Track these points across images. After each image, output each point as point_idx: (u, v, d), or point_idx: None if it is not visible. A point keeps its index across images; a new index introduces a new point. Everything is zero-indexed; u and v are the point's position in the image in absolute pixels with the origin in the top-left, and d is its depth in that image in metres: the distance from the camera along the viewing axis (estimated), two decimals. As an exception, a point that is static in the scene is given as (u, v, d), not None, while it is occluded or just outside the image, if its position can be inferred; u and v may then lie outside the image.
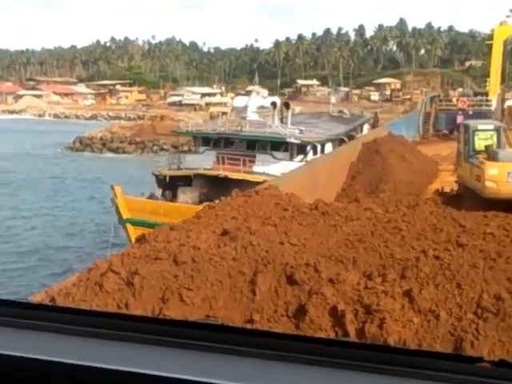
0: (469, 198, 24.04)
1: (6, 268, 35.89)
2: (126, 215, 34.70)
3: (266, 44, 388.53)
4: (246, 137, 41.53)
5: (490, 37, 70.45)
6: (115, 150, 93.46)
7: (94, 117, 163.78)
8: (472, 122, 28.03)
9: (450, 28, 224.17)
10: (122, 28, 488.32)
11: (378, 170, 36.26)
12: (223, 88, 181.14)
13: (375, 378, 1.85)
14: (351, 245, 16.29)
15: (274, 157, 40.69)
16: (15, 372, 2.01)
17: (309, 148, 41.65)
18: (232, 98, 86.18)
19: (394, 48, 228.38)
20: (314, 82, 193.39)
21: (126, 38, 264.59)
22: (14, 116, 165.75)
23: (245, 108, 45.15)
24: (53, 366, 1.98)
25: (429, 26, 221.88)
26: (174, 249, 14.83)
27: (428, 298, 12.69)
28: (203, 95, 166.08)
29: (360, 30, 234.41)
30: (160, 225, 20.65)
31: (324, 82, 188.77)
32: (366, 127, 56.67)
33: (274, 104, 45.05)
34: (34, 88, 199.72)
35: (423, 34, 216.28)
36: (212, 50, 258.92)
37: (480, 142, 25.25)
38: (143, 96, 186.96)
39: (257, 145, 41.54)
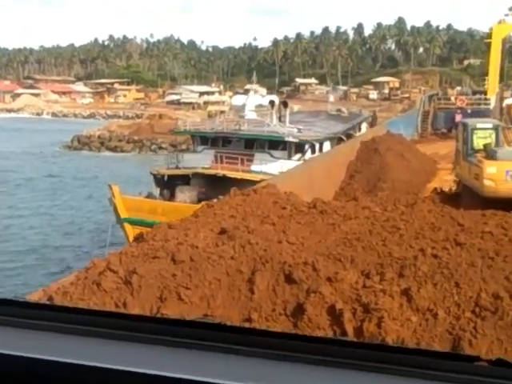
0: (467, 196, 24.05)
1: (4, 267, 35.86)
2: (123, 215, 34.68)
3: (264, 43, 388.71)
4: (244, 136, 41.56)
5: (489, 35, 70.52)
6: (113, 149, 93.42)
7: (92, 115, 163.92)
8: (470, 121, 28.02)
9: (449, 26, 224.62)
10: (121, 26, 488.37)
11: (377, 169, 36.27)
12: (221, 87, 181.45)
13: (373, 377, 1.84)
14: (349, 243, 16.29)
15: (272, 156, 40.72)
16: (13, 371, 2.01)
17: (307, 147, 41.69)
18: (230, 97, 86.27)
19: (393, 47, 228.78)
20: (313, 80, 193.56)
21: (125, 37, 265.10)
22: (12, 115, 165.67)
23: (243, 107, 45.17)
24: (51, 366, 1.98)
25: (427, 24, 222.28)
26: (172, 247, 14.83)
27: (426, 296, 12.69)
28: (201, 94, 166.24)
29: (359, 29, 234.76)
30: (158, 224, 20.64)
31: (322, 80, 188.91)
32: (364, 126, 56.75)
33: (272, 103, 45.10)
34: (31, 87, 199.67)
35: (422, 32, 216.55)
36: (210, 49, 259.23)
37: (478, 141, 25.25)
38: (141, 95, 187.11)
39: (255, 144, 41.57)
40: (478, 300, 12.46)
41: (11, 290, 29.49)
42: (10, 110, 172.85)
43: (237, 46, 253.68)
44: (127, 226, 34.04)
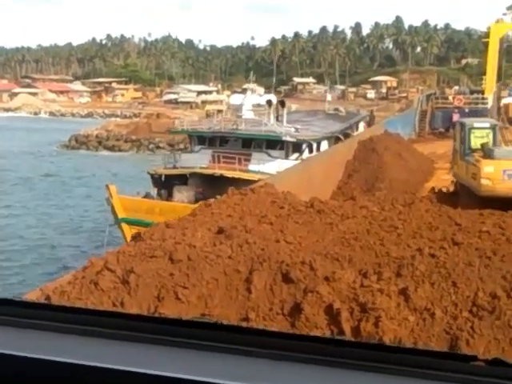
0: (465, 196, 24.08)
1: (0, 266, 35.85)
2: (121, 215, 34.64)
3: (262, 41, 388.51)
4: (241, 135, 41.55)
5: (487, 35, 70.62)
6: (111, 148, 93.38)
7: (89, 115, 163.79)
8: (468, 120, 28.06)
9: (447, 26, 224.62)
10: (118, 25, 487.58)
11: (374, 168, 36.29)
12: (219, 86, 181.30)
13: (371, 377, 1.84)
14: (347, 243, 16.29)
15: (269, 155, 40.70)
16: (11, 371, 2.01)
17: (304, 146, 41.67)
18: (228, 96, 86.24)
19: (391, 46, 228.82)
20: (311, 79, 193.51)
21: (122, 36, 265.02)
22: (10, 114, 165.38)
23: (241, 106, 45.18)
24: (48, 365, 1.98)
25: (425, 23, 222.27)
26: (169, 247, 14.82)
27: (423, 296, 12.70)
28: (199, 93, 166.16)
29: (356, 28, 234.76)
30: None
31: (320, 79, 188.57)
32: (361, 125, 56.76)
33: (269, 102, 45.07)
34: (29, 86, 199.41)
35: (419, 31, 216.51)
36: (208, 48, 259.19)
37: (476, 140, 25.29)
38: (139, 94, 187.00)
39: (252, 143, 41.56)
40: (475, 299, 12.48)
41: (8, 290, 29.46)
42: (7, 110, 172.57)
43: (235, 45, 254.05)
44: (125, 226, 33.99)
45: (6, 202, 54.09)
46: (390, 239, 16.79)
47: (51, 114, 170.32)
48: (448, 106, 61.88)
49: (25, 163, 77.94)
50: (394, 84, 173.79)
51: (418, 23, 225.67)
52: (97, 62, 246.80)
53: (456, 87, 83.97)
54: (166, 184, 39.56)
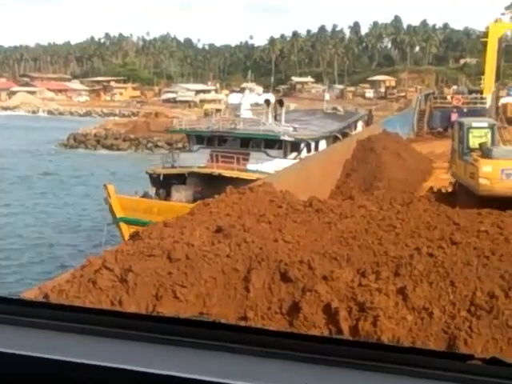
0: (463, 195, 24.10)
1: (-1, 265, 35.90)
2: (119, 214, 34.64)
3: (262, 41, 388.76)
4: (239, 135, 41.58)
5: (485, 34, 70.58)
6: (109, 147, 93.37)
7: (88, 113, 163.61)
8: (466, 120, 28.09)
9: (445, 25, 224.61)
10: (117, 24, 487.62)
11: (373, 168, 36.30)
12: (218, 85, 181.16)
13: (369, 376, 1.85)
14: (345, 242, 16.30)
15: (267, 154, 40.72)
16: (8, 369, 2.01)
17: (302, 145, 41.69)
18: (227, 95, 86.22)
19: (389, 45, 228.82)
20: (309, 79, 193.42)
21: (121, 35, 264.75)
22: (8, 112, 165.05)
23: (239, 105, 45.19)
24: (47, 364, 1.98)
25: (424, 23, 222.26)
26: (167, 246, 14.82)
27: (422, 295, 12.71)
28: (198, 92, 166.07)
29: (355, 27, 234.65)
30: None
31: (319, 79, 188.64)
32: (359, 124, 56.77)
33: (267, 101, 45.08)
34: (27, 84, 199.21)
35: (418, 31, 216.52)
36: (207, 47, 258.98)
37: (474, 140, 25.31)
38: (137, 93, 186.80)
39: (250, 142, 41.57)
40: (473, 299, 12.49)
41: (6, 288, 29.45)
42: (5, 108, 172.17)
43: (233, 44, 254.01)
44: (123, 225, 33.99)
45: (4, 201, 54.05)
46: (389, 238, 16.80)
47: (49, 112, 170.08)
48: (446, 105, 61.89)
49: (23, 162, 77.88)
50: (393, 83, 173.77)
51: (416, 23, 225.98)
52: (95, 60, 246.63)
53: (454, 87, 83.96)
54: (164, 183, 39.56)
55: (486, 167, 23.17)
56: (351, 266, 14.36)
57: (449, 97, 65.15)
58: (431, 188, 26.74)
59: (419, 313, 12.44)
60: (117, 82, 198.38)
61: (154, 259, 14.31)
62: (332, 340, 2.07)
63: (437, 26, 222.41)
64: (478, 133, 25.54)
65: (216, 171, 37.94)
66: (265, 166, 38.68)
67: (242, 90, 53.16)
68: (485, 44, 67.52)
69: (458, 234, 16.86)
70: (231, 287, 13.79)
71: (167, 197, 38.38)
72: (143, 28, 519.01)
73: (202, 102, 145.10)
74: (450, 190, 26.77)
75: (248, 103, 45.59)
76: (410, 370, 1.84)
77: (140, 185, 40.83)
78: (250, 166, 39.55)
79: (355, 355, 1.89)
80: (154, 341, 2.02)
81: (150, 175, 40.32)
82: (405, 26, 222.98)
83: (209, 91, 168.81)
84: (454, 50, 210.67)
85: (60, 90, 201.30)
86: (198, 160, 40.31)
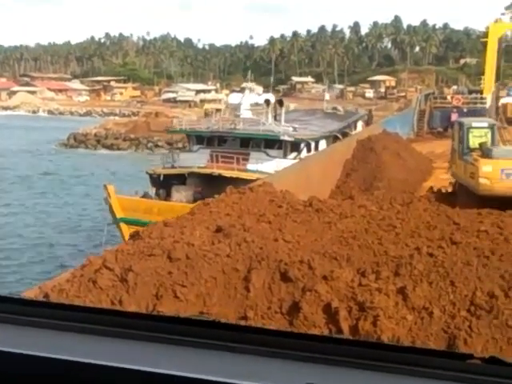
0: (463, 195, 24.10)
1: None
2: (119, 214, 34.64)
3: (262, 41, 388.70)
4: (239, 135, 41.58)
5: (485, 34, 70.58)
6: (109, 147, 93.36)
7: (88, 113, 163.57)
8: (466, 120, 28.11)
9: (445, 25, 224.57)
10: (117, 24, 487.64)
11: (373, 168, 36.30)
12: (218, 85, 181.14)
13: (369, 375, 1.85)
14: (345, 242, 16.30)
15: (267, 154, 40.73)
16: (9, 369, 2.01)
17: (302, 145, 41.69)
18: (227, 95, 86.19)
19: (389, 45, 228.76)
20: (309, 78, 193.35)
21: (121, 35, 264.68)
22: (8, 112, 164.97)
23: (239, 105, 45.19)
24: (47, 363, 1.98)
25: (424, 23, 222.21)
26: (168, 245, 14.82)
27: (422, 295, 12.72)
28: (198, 92, 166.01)
29: (355, 27, 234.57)
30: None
31: (319, 79, 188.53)
32: (359, 124, 56.77)
33: (267, 101, 45.08)
34: (28, 84, 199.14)
35: (418, 31, 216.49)
36: (207, 47, 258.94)
37: (474, 140, 25.32)
38: (138, 92, 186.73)
39: (250, 143, 41.57)
40: (473, 299, 12.49)
41: (6, 288, 29.44)
42: (5, 108, 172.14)
43: (233, 44, 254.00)
44: (123, 225, 33.99)
45: (4, 201, 54.03)
46: (389, 238, 16.81)
47: (50, 112, 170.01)
48: (446, 105, 61.90)
49: (23, 161, 77.86)
50: (393, 83, 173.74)
51: (416, 23, 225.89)
52: (95, 60, 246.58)
53: (454, 87, 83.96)
54: (164, 184, 39.56)
55: (485, 167, 23.18)
56: (351, 265, 14.37)
57: (449, 97, 65.15)
58: (431, 188, 26.74)
59: (419, 312, 12.44)
60: (117, 81, 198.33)
61: (155, 259, 14.31)
62: (332, 339, 2.08)
63: (437, 26, 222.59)
64: (478, 133, 25.55)
65: (216, 171, 37.94)
66: (265, 166, 38.68)
67: (242, 90, 53.14)
68: (485, 44, 67.51)
69: (458, 234, 16.86)
70: (231, 287, 13.79)
71: (167, 197, 38.37)
72: (143, 28, 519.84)
73: (202, 101, 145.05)
74: (449, 189, 26.77)
75: (248, 103, 45.59)
76: (410, 370, 1.85)
77: (140, 185, 40.82)
78: (249, 166, 39.55)
79: (355, 354, 1.90)
80: (154, 340, 2.03)
81: (150, 175, 40.31)
82: (405, 26, 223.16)
83: (209, 91, 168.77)
84: (454, 50, 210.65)
85: (60, 90, 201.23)
86: (197, 160, 40.30)
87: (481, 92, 65.00)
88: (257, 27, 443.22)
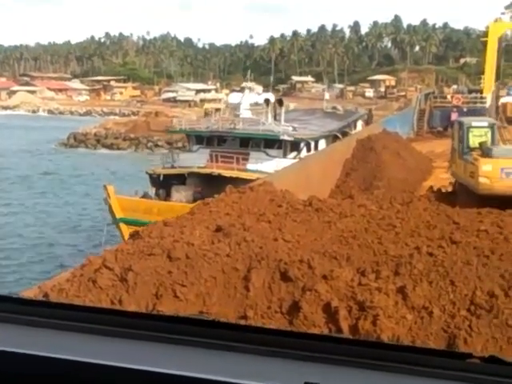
0: (463, 194, 24.10)
1: (-1, 264, 35.91)
2: (119, 215, 34.66)
3: (261, 40, 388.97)
4: (239, 134, 41.58)
5: (485, 34, 70.55)
6: (109, 147, 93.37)
7: (88, 113, 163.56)
8: (466, 119, 28.11)
9: (445, 25, 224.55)
10: (117, 24, 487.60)
11: (373, 167, 36.31)
12: (218, 84, 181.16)
13: (368, 374, 1.85)
14: (345, 241, 16.31)
15: (267, 154, 40.73)
16: (8, 368, 2.01)
17: (302, 145, 41.71)
18: (227, 95, 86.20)
19: (389, 45, 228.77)
20: (309, 78, 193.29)
21: (121, 34, 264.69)
22: (8, 112, 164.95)
23: (239, 105, 45.21)
24: (47, 362, 1.98)
25: (424, 22, 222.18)
26: (167, 245, 14.82)
27: (421, 294, 12.72)
28: (198, 91, 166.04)
29: (355, 27, 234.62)
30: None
31: (319, 78, 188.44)
32: (359, 123, 56.78)
33: (267, 101, 45.09)
34: (27, 84, 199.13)
35: (418, 30, 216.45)
36: (207, 46, 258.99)
37: (474, 139, 25.31)
38: (137, 92, 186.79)
39: (250, 142, 41.57)
40: (473, 298, 12.49)
41: (5, 287, 29.46)
42: (5, 108, 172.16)
43: (233, 44, 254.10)
44: (123, 226, 34.00)
45: (4, 201, 54.05)
46: (388, 238, 16.81)
47: (50, 112, 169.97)
48: (446, 105, 61.90)
49: (23, 161, 77.88)
50: (393, 83, 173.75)
51: (416, 22, 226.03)
52: (95, 60, 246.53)
53: (454, 86, 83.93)
54: (164, 184, 39.56)
55: (485, 166, 23.17)
56: (351, 265, 14.37)
57: (449, 96, 65.14)
58: (431, 187, 26.73)
59: (419, 312, 12.44)
60: (117, 81, 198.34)
61: (154, 258, 14.32)
62: (331, 338, 2.08)
63: (437, 26, 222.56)
64: (478, 132, 25.55)
65: (216, 171, 37.94)
66: (264, 165, 38.69)
67: (242, 90, 53.15)
68: (485, 43, 67.49)
69: (458, 234, 16.86)
70: (231, 286, 13.79)
71: (167, 197, 38.37)
72: (143, 27, 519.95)
73: (202, 101, 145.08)
74: (449, 189, 26.77)
75: (247, 103, 45.62)
76: (410, 369, 1.85)
77: (140, 184, 40.83)
78: (249, 166, 39.55)
79: (355, 354, 1.90)
80: (154, 339, 2.03)
81: (150, 175, 40.30)
82: (405, 25, 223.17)
83: (209, 91, 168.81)
84: (453, 50, 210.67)
85: (60, 90, 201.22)
86: (197, 160, 40.30)
87: (481, 91, 64.98)
88: (257, 27, 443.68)
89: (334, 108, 61.88)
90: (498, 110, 63.98)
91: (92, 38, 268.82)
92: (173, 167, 41.05)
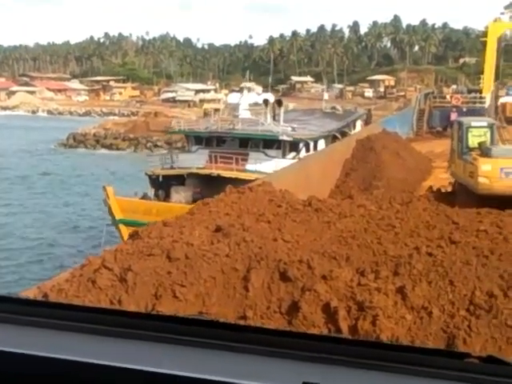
0: (462, 194, 24.10)
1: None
2: (118, 216, 34.64)
3: (260, 40, 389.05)
4: (238, 135, 41.56)
5: (484, 34, 70.56)
6: (109, 147, 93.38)
7: (87, 113, 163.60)
8: (465, 119, 28.11)
9: (445, 25, 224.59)
10: (116, 24, 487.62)
11: (372, 167, 36.30)
12: (217, 84, 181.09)
13: (367, 374, 1.86)
14: (344, 241, 16.30)
15: (266, 154, 40.72)
16: (8, 368, 2.01)
17: (301, 145, 41.70)
18: (226, 95, 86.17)
19: (388, 45, 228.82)
20: (308, 78, 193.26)
21: (120, 34, 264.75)
22: (7, 112, 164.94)
23: (238, 105, 45.22)
24: (46, 362, 1.98)
25: (423, 22, 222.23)
26: (167, 245, 14.81)
27: (421, 294, 12.71)
28: (197, 92, 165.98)
29: (354, 27, 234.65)
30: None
31: (318, 78, 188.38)
32: (358, 123, 56.78)
33: (266, 101, 45.07)
34: (27, 84, 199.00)
35: (417, 30, 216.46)
36: (206, 47, 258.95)
37: (473, 139, 25.32)
38: (137, 92, 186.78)
39: (249, 143, 41.55)
40: (472, 298, 12.48)
41: (5, 287, 29.45)
42: (5, 108, 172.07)
43: (233, 44, 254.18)
44: (122, 227, 33.98)
45: (4, 201, 54.03)
46: (388, 238, 16.80)
47: (49, 112, 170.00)
48: (446, 104, 61.91)
49: (23, 161, 77.92)
50: (392, 83, 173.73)
51: (415, 22, 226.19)
52: (95, 60, 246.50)
53: (454, 86, 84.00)
54: (163, 184, 39.52)
55: (485, 166, 23.18)
56: (350, 265, 14.36)
57: (448, 96, 65.15)
58: (430, 187, 26.74)
59: (418, 312, 12.44)
60: (116, 81, 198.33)
61: (154, 258, 14.31)
62: (331, 338, 2.08)
63: (436, 26, 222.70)
64: (478, 132, 25.56)
65: (215, 172, 37.91)
66: (264, 166, 38.67)
67: (242, 90, 53.17)
68: (484, 43, 67.50)
69: (457, 234, 16.87)
70: (230, 286, 13.79)
71: (166, 198, 38.33)
72: (143, 28, 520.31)
73: (202, 101, 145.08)
74: (449, 189, 26.77)
75: (247, 103, 45.61)
76: (408, 369, 1.85)
77: (140, 185, 40.81)
78: (248, 167, 39.53)
79: (353, 353, 1.90)
80: (154, 339, 2.03)
81: (149, 176, 40.26)
82: (404, 25, 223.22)
83: (208, 91, 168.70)
84: (453, 50, 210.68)
85: (59, 90, 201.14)
86: (196, 161, 40.27)
87: (480, 91, 64.98)
88: (256, 27, 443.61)
89: (334, 108, 61.91)
90: (497, 110, 63.99)
91: (91, 38, 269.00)
92: (172, 168, 41.01)
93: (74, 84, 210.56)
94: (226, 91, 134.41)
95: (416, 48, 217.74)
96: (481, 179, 22.99)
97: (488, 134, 25.43)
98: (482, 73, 66.92)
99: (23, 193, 58.63)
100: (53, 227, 45.39)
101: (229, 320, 3.02)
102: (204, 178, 37.80)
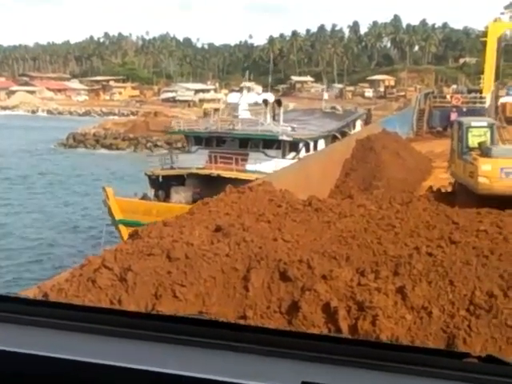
0: (462, 194, 24.10)
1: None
2: (118, 216, 34.64)
3: (260, 40, 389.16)
4: (238, 135, 41.56)
5: (485, 34, 70.55)
6: (108, 147, 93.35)
7: (87, 113, 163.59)
8: (466, 119, 28.11)
9: (445, 25, 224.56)
10: (116, 24, 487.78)
11: (372, 167, 36.30)
12: (217, 84, 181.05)
13: (366, 374, 1.86)
14: (344, 241, 16.30)
15: (266, 155, 40.71)
16: (8, 368, 2.01)
17: (301, 145, 41.71)
18: (226, 95, 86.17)
19: (388, 45, 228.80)
20: (308, 78, 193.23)
21: (120, 34, 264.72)
22: (7, 112, 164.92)
23: (237, 105, 45.22)
24: (46, 362, 1.98)
25: (423, 22, 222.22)
26: (167, 245, 14.81)
27: (421, 294, 12.71)
28: (197, 91, 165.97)
29: (354, 27, 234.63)
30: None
31: (318, 78, 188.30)
32: (358, 123, 56.79)
33: (265, 101, 45.07)
34: (27, 84, 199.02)
35: (417, 30, 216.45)
36: (206, 47, 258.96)
37: (473, 139, 25.32)
38: (137, 92, 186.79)
39: (249, 143, 41.55)
40: (472, 298, 12.49)
41: (5, 287, 29.45)
42: (4, 108, 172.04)
43: (232, 44, 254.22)
44: (122, 227, 33.97)
45: (4, 201, 54.02)
46: (388, 238, 16.80)
47: (49, 112, 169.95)
48: (446, 104, 61.91)
49: (23, 161, 77.91)
50: (392, 83, 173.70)
51: (416, 22, 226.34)
52: (94, 60, 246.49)
53: (454, 86, 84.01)
54: (163, 185, 39.50)
55: (485, 166, 23.18)
56: (350, 265, 14.36)
57: (448, 96, 65.15)
58: (430, 187, 26.73)
59: (418, 312, 12.44)
60: (116, 81, 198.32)
61: (154, 258, 14.31)
62: (331, 338, 2.08)
63: (436, 26, 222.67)
64: (478, 132, 25.56)
65: (215, 172, 37.91)
66: (264, 166, 38.66)
67: (242, 90, 53.19)
68: (484, 43, 67.50)
69: (457, 234, 16.86)
70: (230, 286, 13.79)
71: (166, 198, 38.32)
72: (143, 27, 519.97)
73: (202, 101, 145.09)
74: (449, 189, 26.76)
75: (246, 103, 45.62)
76: (407, 368, 1.85)
77: (139, 185, 40.82)
78: (248, 167, 39.53)
79: (353, 353, 1.90)
80: (154, 339, 2.03)
81: (149, 176, 40.24)
82: (404, 25, 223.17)
83: (208, 91, 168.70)
84: (453, 50, 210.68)
85: (59, 90, 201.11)
86: (196, 161, 40.26)
87: (480, 91, 64.99)
88: (256, 27, 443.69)
89: (333, 108, 61.96)
90: (497, 110, 63.99)
91: (91, 37, 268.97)
92: (172, 168, 41.00)
93: (74, 84, 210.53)
94: (226, 91, 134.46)
95: (416, 48, 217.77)
96: (481, 179, 22.99)
97: (488, 134, 25.42)
98: (482, 73, 66.93)
99: (23, 193, 58.63)
100: (52, 227, 45.39)
101: (229, 320, 3.02)
102: (204, 178, 37.79)
